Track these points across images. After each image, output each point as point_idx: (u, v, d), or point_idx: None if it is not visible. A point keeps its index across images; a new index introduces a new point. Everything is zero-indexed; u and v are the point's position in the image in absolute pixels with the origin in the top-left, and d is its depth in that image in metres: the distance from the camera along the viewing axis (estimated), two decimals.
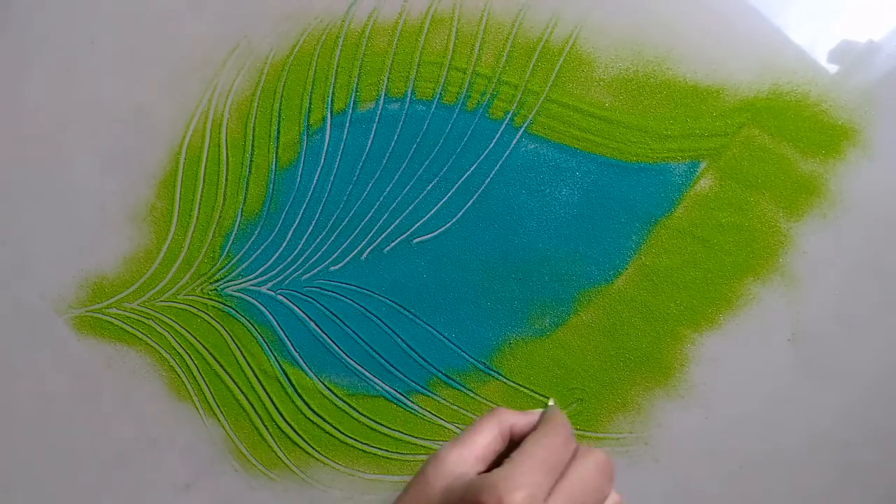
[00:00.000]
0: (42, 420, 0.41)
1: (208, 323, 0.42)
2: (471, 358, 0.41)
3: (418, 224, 0.42)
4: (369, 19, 0.42)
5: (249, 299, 0.42)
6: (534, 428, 0.34)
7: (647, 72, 0.42)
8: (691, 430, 0.41)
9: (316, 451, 0.41)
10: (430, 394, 0.41)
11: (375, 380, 0.41)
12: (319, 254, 0.42)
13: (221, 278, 0.42)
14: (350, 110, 0.42)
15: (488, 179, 0.42)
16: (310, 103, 0.42)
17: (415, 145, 0.42)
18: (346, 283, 0.42)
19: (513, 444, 0.33)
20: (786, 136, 0.42)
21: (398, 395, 0.41)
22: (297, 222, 0.42)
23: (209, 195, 0.42)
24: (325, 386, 0.41)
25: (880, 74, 0.42)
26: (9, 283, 0.42)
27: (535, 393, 0.41)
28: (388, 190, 0.42)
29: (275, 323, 0.42)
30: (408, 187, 0.42)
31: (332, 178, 0.42)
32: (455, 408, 0.41)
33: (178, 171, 0.42)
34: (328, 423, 0.41)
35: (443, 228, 0.42)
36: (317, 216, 0.42)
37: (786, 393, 0.41)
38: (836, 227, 0.41)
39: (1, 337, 0.42)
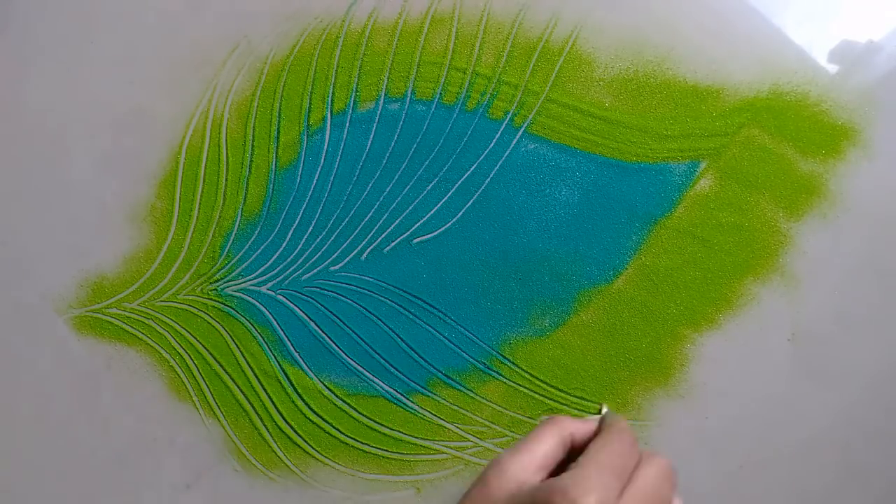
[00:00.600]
0: (42, 420, 0.41)
1: (208, 323, 0.42)
2: (471, 358, 0.41)
3: (418, 224, 0.42)
4: (369, 19, 0.42)
5: (249, 299, 0.42)
6: (595, 434, 0.34)
7: (647, 72, 0.42)
8: (691, 430, 0.41)
9: (316, 451, 0.41)
10: (430, 394, 0.41)
11: (375, 380, 0.41)
12: (319, 254, 0.42)
13: (221, 278, 0.42)
14: (350, 110, 0.42)
15: (488, 179, 0.42)
16: (310, 103, 0.42)
17: (415, 145, 0.42)
18: (346, 284, 0.42)
19: (572, 452, 0.33)
20: (786, 136, 0.42)
21: (398, 395, 0.41)
22: (297, 222, 0.42)
23: (209, 195, 0.42)
24: (325, 386, 0.41)
25: (880, 74, 0.42)
26: (9, 283, 0.42)
27: (535, 393, 0.41)
28: (388, 190, 0.42)
29: (275, 323, 0.42)
30: (408, 187, 0.42)
31: (332, 178, 0.42)
32: (455, 408, 0.41)
33: (178, 171, 0.42)
34: (328, 423, 0.41)
35: (443, 228, 0.42)
36: (317, 216, 0.42)
37: (786, 393, 0.41)
38: (836, 227, 0.41)
39: (1, 337, 0.42)
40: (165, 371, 0.42)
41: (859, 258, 0.41)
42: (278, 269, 0.42)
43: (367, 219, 0.42)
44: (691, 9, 0.42)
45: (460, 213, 0.42)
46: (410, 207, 0.42)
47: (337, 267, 0.42)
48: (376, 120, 0.42)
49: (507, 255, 0.42)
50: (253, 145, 0.42)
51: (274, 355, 0.41)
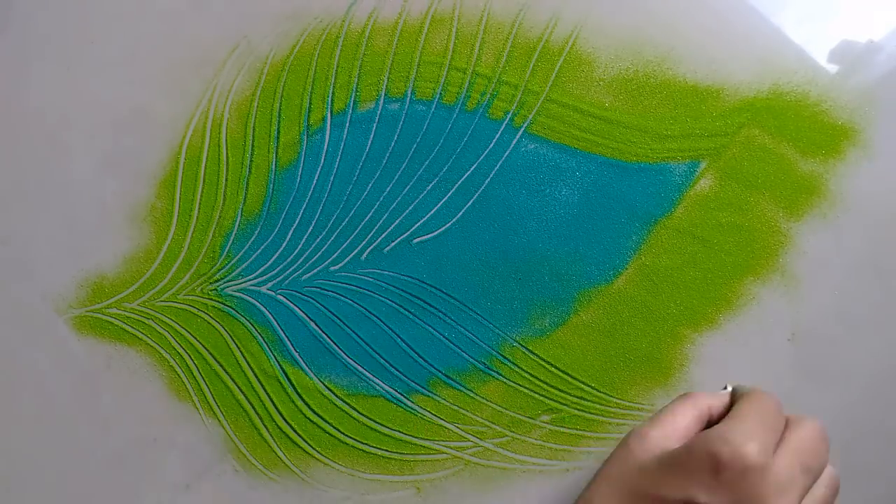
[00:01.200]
0: (42, 420, 0.41)
1: (208, 323, 0.42)
2: (471, 358, 0.41)
3: (418, 224, 0.42)
4: (369, 19, 0.42)
5: (249, 299, 0.42)
6: (731, 404, 0.33)
7: (647, 72, 0.42)
8: None
9: (316, 450, 0.41)
10: (430, 394, 0.41)
11: (375, 380, 0.41)
12: (319, 254, 0.42)
13: (221, 278, 0.42)
14: (350, 110, 0.42)
15: (488, 179, 0.42)
16: (310, 103, 0.42)
17: (415, 145, 0.42)
18: (346, 284, 0.42)
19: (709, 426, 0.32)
20: (786, 136, 0.42)
21: (398, 395, 0.41)
22: (297, 222, 0.42)
23: (209, 195, 0.42)
24: (325, 386, 0.41)
25: (880, 74, 0.42)
26: (9, 283, 0.42)
27: (535, 393, 0.41)
28: (388, 190, 0.42)
29: (275, 323, 0.42)
30: (408, 187, 0.42)
31: (332, 178, 0.42)
32: (455, 408, 0.41)
33: (178, 171, 0.42)
34: (328, 423, 0.41)
35: (443, 228, 0.42)
36: (317, 216, 0.42)
37: (786, 393, 0.41)
38: (836, 227, 0.41)
39: (1, 337, 0.42)
40: (165, 371, 0.42)
41: (859, 258, 0.41)
42: (278, 269, 0.42)
43: (367, 219, 0.42)
44: (691, 9, 0.42)
45: (460, 213, 0.42)
46: (410, 207, 0.42)
47: (337, 267, 0.42)
48: (376, 120, 0.42)
49: (507, 255, 0.42)
50: (253, 145, 0.42)
51: (274, 355, 0.41)
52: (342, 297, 0.42)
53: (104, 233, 0.42)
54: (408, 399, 0.41)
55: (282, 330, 0.42)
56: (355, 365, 0.41)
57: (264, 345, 0.42)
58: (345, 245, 0.42)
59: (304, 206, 0.42)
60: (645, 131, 0.42)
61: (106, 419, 0.41)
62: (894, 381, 0.41)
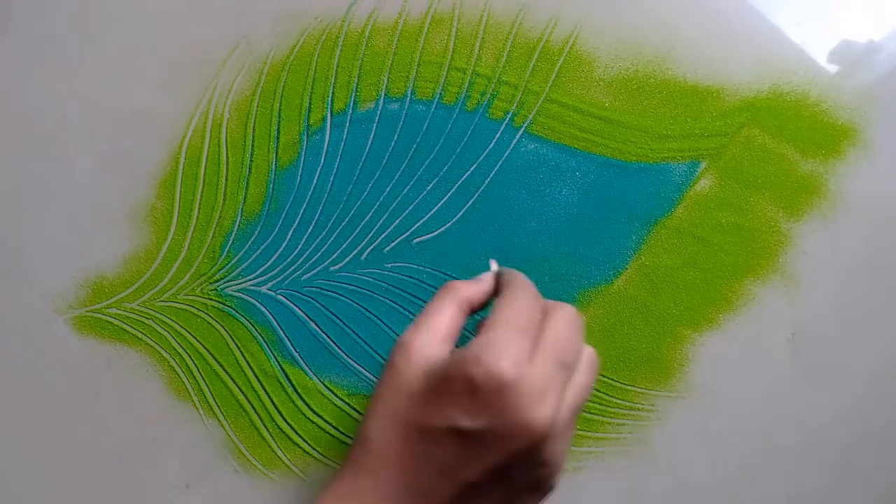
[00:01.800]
0: (42, 420, 0.41)
1: (208, 323, 0.42)
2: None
3: (418, 224, 0.42)
4: (369, 19, 0.42)
5: (249, 299, 0.42)
6: (494, 293, 0.33)
7: (647, 72, 0.42)
8: (691, 430, 0.41)
9: (316, 450, 0.41)
10: None
11: (375, 379, 0.41)
12: (319, 254, 0.42)
13: (221, 278, 0.42)
14: (350, 110, 0.42)
15: (488, 179, 0.42)
16: (310, 103, 0.42)
17: (415, 145, 0.42)
18: (346, 284, 0.42)
19: (472, 315, 0.33)
20: (786, 136, 0.42)
21: None
22: (297, 222, 0.42)
23: (209, 195, 0.42)
24: (325, 386, 0.41)
25: (880, 74, 0.42)
26: (9, 283, 0.42)
27: None
28: (388, 190, 0.42)
29: (275, 323, 0.42)
30: (408, 187, 0.42)
31: (332, 178, 0.42)
32: None
33: (178, 171, 0.42)
34: (328, 423, 0.41)
35: (443, 228, 0.42)
36: (317, 216, 0.42)
37: (786, 393, 0.41)
38: (836, 227, 0.41)
39: (1, 337, 0.42)
40: (165, 371, 0.42)
41: (859, 258, 0.41)
42: (278, 269, 0.42)
43: (367, 219, 0.42)
44: (691, 9, 0.42)
45: (460, 213, 0.42)
46: (410, 207, 0.42)
47: (337, 267, 0.42)
48: (376, 120, 0.42)
49: (507, 255, 0.42)
50: (253, 145, 0.42)
51: (274, 355, 0.41)
52: (342, 297, 0.42)
53: (104, 233, 0.42)
54: None
55: (282, 330, 0.42)
56: (355, 365, 0.41)
57: (264, 345, 0.42)
58: (345, 245, 0.42)
59: (304, 206, 0.42)
60: (645, 131, 0.42)
61: (106, 419, 0.41)
62: (894, 381, 0.41)
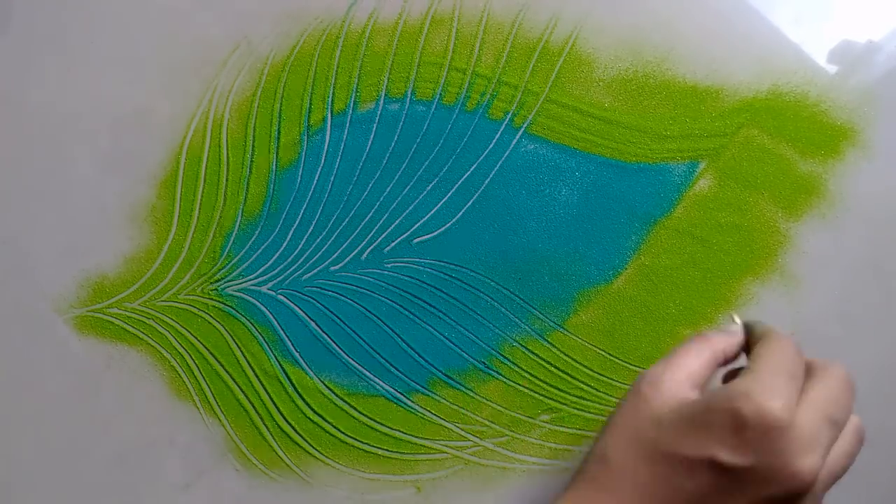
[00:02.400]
0: (42, 420, 0.41)
1: (209, 323, 0.42)
2: (471, 358, 0.41)
3: (418, 224, 0.42)
4: (369, 20, 0.42)
5: (250, 299, 0.42)
6: (746, 346, 0.32)
7: (646, 72, 0.42)
8: None
9: (316, 450, 0.41)
10: (430, 393, 0.41)
11: (376, 379, 0.41)
12: (320, 254, 0.42)
13: (222, 278, 0.42)
14: (350, 111, 0.42)
15: (488, 179, 0.42)
16: (310, 104, 0.42)
17: (415, 145, 0.42)
18: (346, 284, 0.42)
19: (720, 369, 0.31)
20: (785, 137, 0.42)
21: (398, 395, 0.41)
22: (297, 222, 0.42)
23: (210, 195, 0.42)
24: (326, 385, 0.41)
25: (880, 74, 0.42)
26: (9, 283, 0.42)
27: (535, 393, 0.41)
28: (388, 190, 0.42)
29: (275, 323, 0.42)
30: (408, 187, 0.42)
31: (332, 178, 0.42)
32: (455, 407, 0.41)
33: (179, 171, 0.42)
34: (328, 422, 0.41)
35: (443, 228, 0.42)
36: (317, 216, 0.42)
37: None
38: (836, 227, 0.41)
39: (1, 337, 0.42)
40: (166, 371, 0.42)
41: (859, 258, 0.41)
42: (279, 269, 0.42)
43: (367, 219, 0.42)
44: (691, 9, 0.42)
45: (460, 213, 0.42)
46: (410, 207, 0.42)
47: (337, 267, 0.42)
48: (376, 120, 0.42)
49: (507, 255, 0.42)
50: (253, 145, 0.42)
51: (274, 355, 0.42)
52: (342, 297, 0.42)
53: (104, 233, 0.42)
54: (408, 399, 0.41)
55: (282, 330, 0.42)
56: (355, 365, 0.42)
57: (265, 345, 0.42)
58: (345, 245, 0.42)
59: (305, 206, 0.42)
60: (645, 131, 0.42)
61: (106, 419, 0.41)
62: (894, 381, 0.41)
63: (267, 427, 0.41)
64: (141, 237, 0.42)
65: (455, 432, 0.41)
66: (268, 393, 0.41)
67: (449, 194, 0.42)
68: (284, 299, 0.42)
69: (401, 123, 0.42)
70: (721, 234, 0.42)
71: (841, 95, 0.42)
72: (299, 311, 0.42)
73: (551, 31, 0.42)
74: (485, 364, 0.41)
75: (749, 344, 0.32)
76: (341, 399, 0.41)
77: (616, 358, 0.41)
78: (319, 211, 0.42)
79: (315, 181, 0.42)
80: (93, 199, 0.42)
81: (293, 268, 0.42)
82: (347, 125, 0.42)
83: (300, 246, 0.42)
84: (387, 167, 0.42)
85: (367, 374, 0.41)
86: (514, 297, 0.41)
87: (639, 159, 0.42)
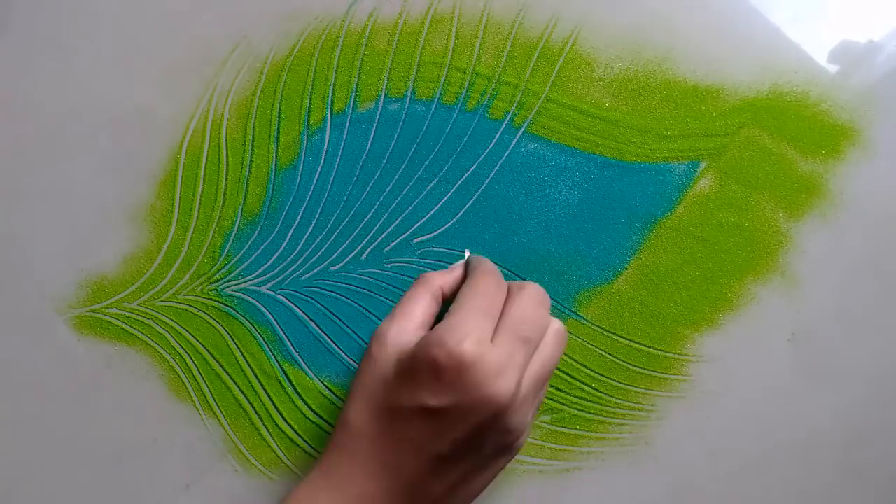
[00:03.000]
0: (42, 420, 0.41)
1: (208, 323, 0.42)
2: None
3: (418, 224, 0.42)
4: (369, 19, 0.42)
5: (249, 299, 0.42)
6: (463, 280, 0.35)
7: (647, 72, 0.42)
8: (691, 430, 0.41)
9: (316, 450, 0.41)
10: None
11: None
12: (319, 254, 0.42)
13: (221, 278, 0.42)
14: (350, 110, 0.42)
15: (488, 179, 0.42)
16: (310, 103, 0.42)
17: (415, 145, 0.42)
18: (346, 284, 0.42)
19: (446, 304, 0.34)
20: (786, 136, 0.42)
21: None
22: (297, 222, 0.42)
23: (209, 195, 0.42)
24: (325, 386, 0.41)
25: (880, 74, 0.42)
26: (9, 283, 0.42)
27: None
28: (388, 190, 0.42)
29: (275, 323, 0.42)
30: (408, 187, 0.42)
31: (332, 178, 0.42)
32: None
33: (178, 171, 0.42)
34: (328, 423, 0.41)
35: (443, 228, 0.42)
36: (317, 216, 0.42)
37: (786, 393, 0.41)
38: (836, 226, 0.41)
39: (1, 337, 0.42)
40: (165, 371, 0.42)
41: (859, 258, 0.41)
42: (278, 269, 0.42)
43: (367, 219, 0.42)
44: (691, 9, 0.42)
45: (460, 213, 0.42)
46: (410, 207, 0.42)
47: (337, 267, 0.42)
48: (376, 120, 0.42)
49: (507, 255, 0.42)
50: (253, 145, 0.42)
51: (274, 355, 0.41)
52: (342, 297, 0.42)
53: (104, 233, 0.42)
54: None
55: (282, 330, 0.42)
56: (355, 365, 0.41)
57: (264, 345, 0.42)
58: (345, 245, 0.42)
59: (304, 206, 0.42)
60: (645, 131, 0.42)
61: (106, 419, 0.41)
62: (894, 381, 0.41)
63: (266, 427, 0.41)
64: (140, 237, 0.42)
65: None
66: (267, 393, 0.41)
67: (449, 194, 0.42)
68: (284, 299, 0.42)
69: (401, 123, 0.42)
70: (722, 234, 0.41)
71: (842, 95, 0.42)
72: (299, 311, 0.42)
73: (551, 30, 0.42)
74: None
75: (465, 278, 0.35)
76: (341, 399, 0.41)
77: (616, 358, 0.41)
78: (319, 211, 0.42)
79: (315, 181, 0.42)
80: (92, 199, 0.42)
81: (293, 268, 0.42)
82: (347, 125, 0.42)
83: (300, 246, 0.42)
84: (387, 167, 0.42)
85: None
86: None
87: (639, 159, 0.42)
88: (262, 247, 0.42)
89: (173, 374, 0.41)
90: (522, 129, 0.42)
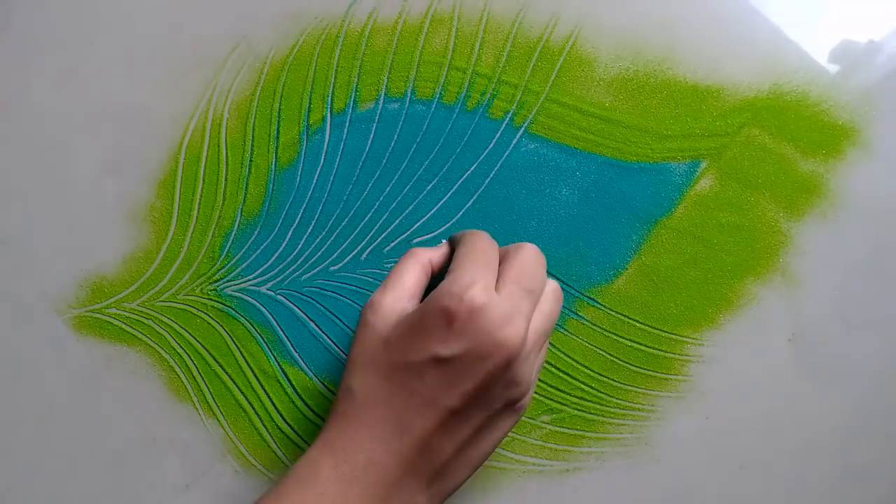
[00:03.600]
0: (42, 420, 0.41)
1: (208, 323, 0.42)
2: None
3: (418, 224, 0.42)
4: (369, 19, 0.42)
5: (249, 299, 0.42)
6: (451, 252, 0.36)
7: (647, 72, 0.42)
8: (692, 430, 0.41)
9: None
10: None
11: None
12: (319, 254, 0.42)
13: (221, 278, 0.42)
14: (350, 110, 0.42)
15: (488, 179, 0.42)
16: (309, 103, 0.42)
17: (415, 145, 0.42)
18: (346, 284, 0.42)
19: (433, 277, 0.35)
20: (786, 136, 0.42)
21: None
22: (296, 222, 0.42)
23: (209, 195, 0.42)
24: (325, 386, 0.41)
25: (880, 74, 0.42)
26: (9, 283, 0.42)
27: (536, 394, 0.41)
28: (388, 190, 0.42)
29: (274, 323, 0.42)
30: (408, 187, 0.42)
31: (331, 177, 0.42)
32: None
33: (178, 170, 0.42)
34: None
35: (443, 228, 0.42)
36: (317, 216, 0.42)
37: (786, 393, 0.41)
38: (836, 227, 0.41)
39: (1, 337, 0.42)
40: (165, 371, 0.42)
41: (859, 258, 0.41)
42: (278, 269, 0.42)
43: (366, 219, 0.42)
44: (691, 8, 0.42)
45: (460, 213, 0.42)
46: (410, 207, 0.42)
47: (337, 267, 0.42)
48: (376, 120, 0.42)
49: None
50: (253, 145, 0.42)
51: (274, 355, 0.41)
52: (342, 297, 0.42)
53: (104, 233, 0.42)
54: None
55: (281, 330, 0.42)
56: None
57: (264, 345, 0.42)
58: (345, 245, 0.42)
59: (304, 205, 0.42)
60: (645, 131, 0.42)
61: (106, 419, 0.41)
62: (894, 381, 0.41)
63: (266, 428, 0.41)
64: (140, 237, 0.42)
65: None
66: (267, 393, 0.41)
67: (449, 194, 0.42)
68: (284, 299, 0.42)
69: (401, 123, 0.42)
70: (722, 234, 0.41)
71: (842, 95, 0.42)
72: (299, 311, 0.42)
73: (551, 30, 0.42)
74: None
75: (453, 249, 0.36)
76: None
77: (617, 358, 0.41)
78: (319, 211, 0.42)
79: (314, 181, 0.42)
80: (92, 199, 0.42)
81: (292, 268, 0.42)
82: (347, 124, 0.42)
83: (299, 246, 0.42)
84: (386, 167, 0.42)
85: None
86: None
87: (640, 159, 0.42)
88: (262, 247, 0.42)
89: (173, 375, 0.41)
90: (522, 128, 0.42)
